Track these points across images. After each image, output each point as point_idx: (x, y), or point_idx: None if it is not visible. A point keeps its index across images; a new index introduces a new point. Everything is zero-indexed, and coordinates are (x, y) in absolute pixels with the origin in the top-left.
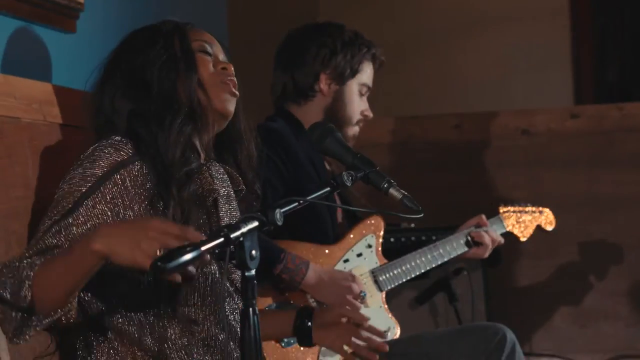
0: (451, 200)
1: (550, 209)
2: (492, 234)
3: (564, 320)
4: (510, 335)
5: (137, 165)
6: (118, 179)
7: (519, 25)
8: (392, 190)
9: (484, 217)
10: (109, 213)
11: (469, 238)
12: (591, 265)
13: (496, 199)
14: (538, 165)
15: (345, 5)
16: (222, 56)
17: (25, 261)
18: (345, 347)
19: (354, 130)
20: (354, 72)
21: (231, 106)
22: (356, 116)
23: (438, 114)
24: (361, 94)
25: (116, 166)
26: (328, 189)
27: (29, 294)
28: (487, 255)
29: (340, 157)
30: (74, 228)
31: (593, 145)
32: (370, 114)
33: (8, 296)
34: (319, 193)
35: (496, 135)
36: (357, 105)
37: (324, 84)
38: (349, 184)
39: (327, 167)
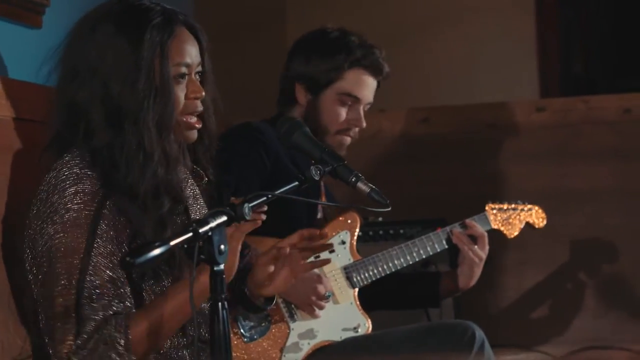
0: (419, 193)
1: None
2: (476, 232)
3: (532, 313)
4: (479, 333)
5: (108, 207)
6: (104, 223)
7: (485, 18)
8: (359, 184)
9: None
10: (114, 255)
11: (450, 235)
12: (558, 257)
13: (464, 193)
14: (505, 158)
15: (312, 4)
16: (196, 65)
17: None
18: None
19: (336, 139)
20: (328, 82)
21: (193, 136)
22: (334, 126)
23: (406, 107)
24: (343, 103)
25: (96, 214)
26: (296, 183)
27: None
28: (477, 255)
29: (308, 152)
30: (95, 278)
31: (559, 138)
32: (360, 124)
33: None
34: (287, 187)
35: (463, 129)
36: (336, 115)
37: (299, 93)
38: (316, 178)
39: None
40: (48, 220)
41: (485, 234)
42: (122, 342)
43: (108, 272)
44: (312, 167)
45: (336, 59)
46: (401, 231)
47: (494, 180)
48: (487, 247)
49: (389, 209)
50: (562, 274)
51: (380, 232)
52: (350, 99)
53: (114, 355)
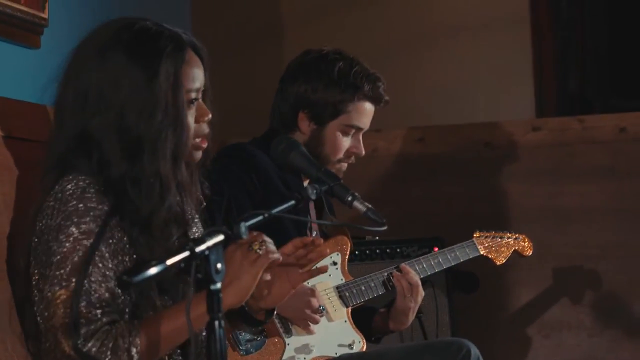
0: (415, 212)
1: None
2: (410, 279)
3: (528, 331)
4: (475, 351)
5: (112, 225)
6: (108, 235)
7: (480, 38)
8: (356, 203)
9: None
10: (112, 267)
11: (390, 277)
12: (554, 276)
13: (460, 212)
14: (501, 177)
15: (307, 18)
16: (202, 86)
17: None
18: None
19: (335, 167)
20: (336, 114)
21: (199, 156)
22: (337, 156)
23: (402, 127)
24: (346, 133)
25: (105, 221)
26: (292, 202)
27: None
28: (406, 303)
29: (305, 171)
30: (94, 285)
31: (555, 158)
32: (360, 152)
33: None
34: (283, 207)
35: (459, 148)
36: (339, 146)
37: (302, 121)
38: (313, 197)
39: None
40: (53, 234)
41: (419, 283)
42: (130, 347)
43: (108, 284)
44: (308, 186)
45: (345, 93)
46: (398, 250)
47: (490, 199)
48: (420, 297)
49: (385, 227)
50: (558, 292)
51: (377, 250)
52: (354, 129)
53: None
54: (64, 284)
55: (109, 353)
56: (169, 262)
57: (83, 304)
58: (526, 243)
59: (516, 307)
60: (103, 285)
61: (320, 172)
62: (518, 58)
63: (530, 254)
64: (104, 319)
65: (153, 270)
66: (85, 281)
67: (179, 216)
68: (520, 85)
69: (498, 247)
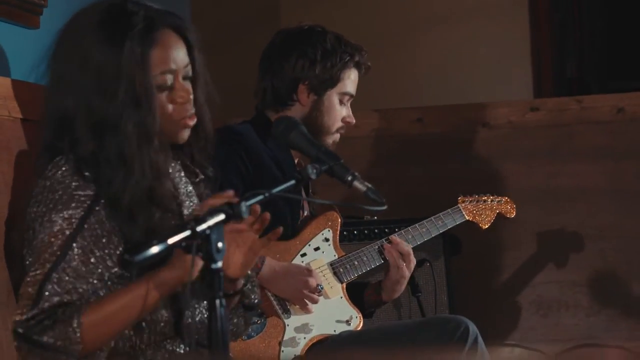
0: (413, 193)
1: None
2: (401, 249)
3: (526, 310)
4: (473, 328)
5: (98, 209)
6: (93, 220)
7: (479, 19)
8: (356, 183)
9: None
10: (97, 252)
11: (380, 250)
12: (552, 256)
13: (458, 191)
14: (499, 157)
15: (306, 1)
16: (183, 67)
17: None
18: None
19: (333, 137)
20: (334, 83)
21: (186, 135)
22: (336, 125)
23: (400, 107)
24: (342, 103)
25: (90, 206)
26: (293, 182)
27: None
28: (400, 273)
29: (305, 150)
30: (68, 275)
31: (553, 138)
32: (352, 120)
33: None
34: (284, 186)
35: (457, 129)
36: (337, 114)
37: (302, 94)
38: (313, 176)
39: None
40: (39, 220)
41: (411, 251)
42: (68, 329)
43: (83, 270)
44: (308, 165)
45: (341, 62)
46: (396, 230)
47: (488, 179)
48: (412, 264)
49: (385, 207)
50: (556, 271)
51: (376, 230)
52: (347, 97)
53: (62, 338)
54: (39, 270)
55: (47, 333)
56: (170, 241)
57: (49, 286)
58: (509, 205)
59: (514, 286)
60: (78, 270)
61: (320, 151)
62: (516, 39)
63: (514, 215)
64: (55, 300)
65: (154, 249)
66: (60, 266)
67: (156, 197)
68: (518, 67)
69: (482, 211)
